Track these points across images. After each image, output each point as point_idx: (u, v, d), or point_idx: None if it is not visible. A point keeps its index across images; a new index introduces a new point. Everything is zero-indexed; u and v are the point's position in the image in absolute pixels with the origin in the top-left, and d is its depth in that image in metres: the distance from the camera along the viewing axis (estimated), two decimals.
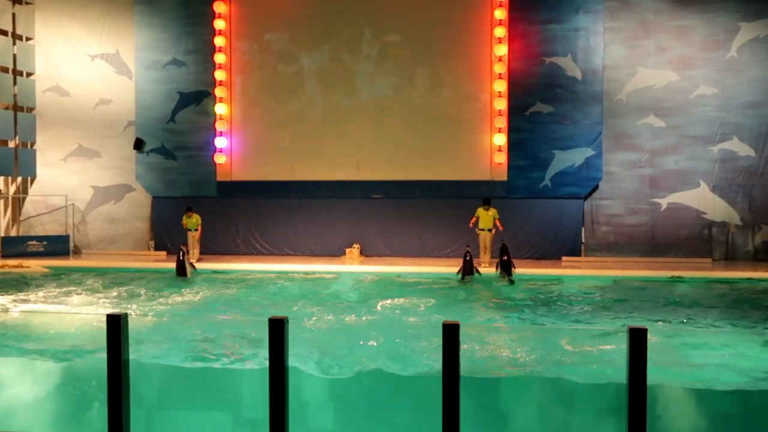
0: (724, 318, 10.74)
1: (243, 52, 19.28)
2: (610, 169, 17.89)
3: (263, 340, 5.06)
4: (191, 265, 15.63)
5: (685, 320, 10.49)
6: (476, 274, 14.67)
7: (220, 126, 19.10)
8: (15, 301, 11.96)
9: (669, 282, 14.68)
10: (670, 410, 5.91)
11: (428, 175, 18.51)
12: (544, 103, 17.93)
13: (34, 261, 17.15)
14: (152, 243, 19.65)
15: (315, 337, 8.43)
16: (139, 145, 19.39)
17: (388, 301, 11.78)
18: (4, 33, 19.33)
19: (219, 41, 19.05)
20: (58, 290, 13.26)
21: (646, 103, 17.73)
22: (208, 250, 18.56)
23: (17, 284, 14.17)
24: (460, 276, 14.66)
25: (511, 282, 14.29)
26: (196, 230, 17.55)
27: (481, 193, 17.59)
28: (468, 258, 14.66)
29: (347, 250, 18.31)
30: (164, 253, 19.08)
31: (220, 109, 19.11)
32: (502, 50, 17.94)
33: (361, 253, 18.40)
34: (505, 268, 14.59)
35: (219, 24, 19.03)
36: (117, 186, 19.98)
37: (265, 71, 19.21)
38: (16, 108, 19.62)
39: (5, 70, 19.25)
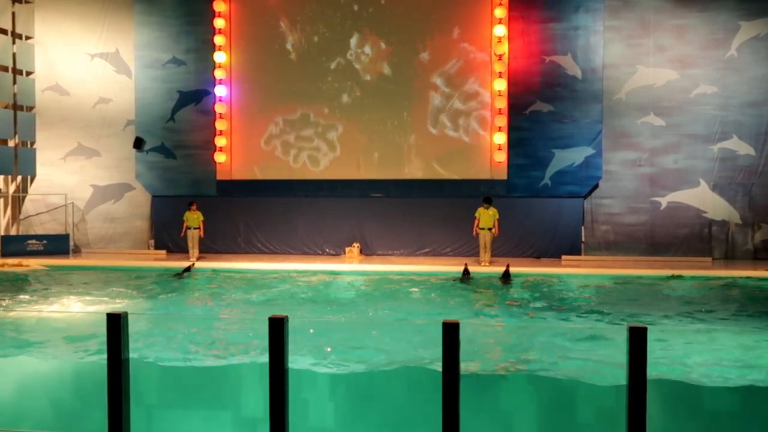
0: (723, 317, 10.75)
1: (243, 50, 19.26)
2: (610, 168, 17.89)
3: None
4: (188, 269, 15.76)
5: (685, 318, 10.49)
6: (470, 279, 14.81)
7: (220, 125, 19.09)
8: (15, 300, 11.95)
9: (669, 280, 14.70)
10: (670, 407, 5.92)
11: (428, 174, 18.51)
12: (544, 101, 17.93)
13: (34, 260, 17.14)
14: (152, 242, 19.63)
15: (314, 336, 8.42)
16: (138, 143, 19.38)
17: (388, 300, 11.79)
18: (4, 32, 19.32)
19: (219, 40, 19.03)
20: (58, 289, 13.26)
21: (645, 101, 17.72)
22: (209, 249, 18.55)
23: (17, 283, 14.18)
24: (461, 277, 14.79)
25: (507, 282, 14.42)
26: (197, 228, 17.52)
27: (480, 192, 17.58)
28: (465, 273, 14.89)
29: (347, 249, 18.31)
30: (164, 252, 19.08)
31: (220, 107, 19.10)
32: (502, 49, 17.93)
33: (361, 252, 18.39)
34: (505, 277, 14.74)
35: (219, 23, 19.00)
36: (117, 185, 19.98)
37: (265, 70, 19.19)
38: (16, 107, 19.61)
39: (5, 69, 19.24)
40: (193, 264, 16.26)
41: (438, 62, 18.46)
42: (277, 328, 5.00)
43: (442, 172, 18.43)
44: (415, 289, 13.32)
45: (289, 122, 19.08)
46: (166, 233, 19.28)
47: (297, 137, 19.04)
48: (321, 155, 18.96)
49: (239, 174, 19.29)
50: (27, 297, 12.25)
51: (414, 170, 18.55)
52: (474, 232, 16.44)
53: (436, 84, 18.51)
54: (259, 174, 19.18)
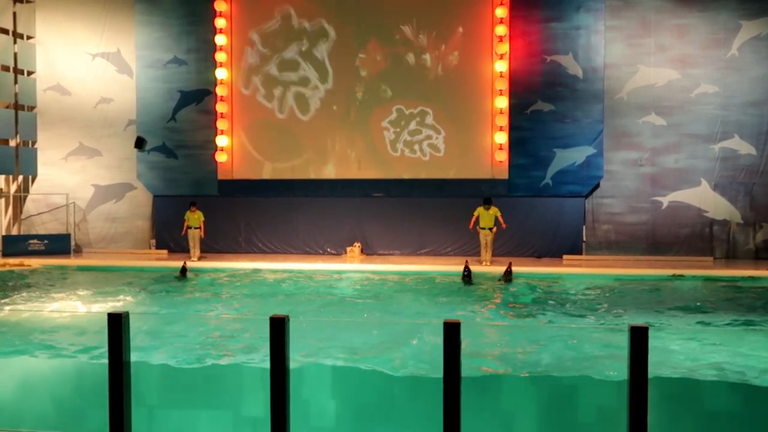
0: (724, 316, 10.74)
1: (244, 50, 19.27)
2: (611, 167, 17.89)
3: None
4: (183, 269, 15.69)
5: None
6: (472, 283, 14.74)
7: (221, 124, 19.10)
8: (16, 299, 11.96)
9: (670, 280, 14.70)
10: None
11: (429, 174, 18.51)
12: (545, 101, 17.92)
13: (36, 260, 17.15)
14: (153, 242, 19.64)
15: (315, 335, 8.43)
16: (140, 143, 19.38)
17: (388, 299, 11.78)
18: (5, 32, 19.33)
19: (220, 40, 19.04)
20: (59, 289, 13.27)
21: (647, 101, 17.72)
22: (210, 248, 18.55)
23: (18, 283, 14.19)
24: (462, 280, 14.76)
25: (508, 281, 14.41)
26: (198, 228, 17.51)
27: (481, 191, 17.58)
28: (467, 273, 14.78)
29: (348, 249, 18.31)
30: (165, 251, 19.08)
31: (221, 107, 19.11)
32: (503, 48, 17.92)
33: (362, 251, 18.39)
34: (507, 276, 14.71)
35: (220, 22, 19.01)
36: (118, 185, 19.99)
37: (266, 70, 19.19)
38: (17, 107, 19.62)
39: (6, 68, 19.25)
40: (185, 263, 16.03)
41: (439, 61, 18.45)
42: (278, 328, 5.00)
43: (443, 171, 18.42)
44: (416, 289, 13.31)
45: (290, 121, 19.03)
46: (167, 233, 19.29)
47: (298, 136, 18.96)
48: (322, 154, 18.93)
49: (240, 174, 19.30)
50: (28, 297, 12.26)
51: (415, 170, 18.54)
52: (471, 225, 16.37)
53: (436, 83, 18.49)
54: (260, 174, 19.16)
